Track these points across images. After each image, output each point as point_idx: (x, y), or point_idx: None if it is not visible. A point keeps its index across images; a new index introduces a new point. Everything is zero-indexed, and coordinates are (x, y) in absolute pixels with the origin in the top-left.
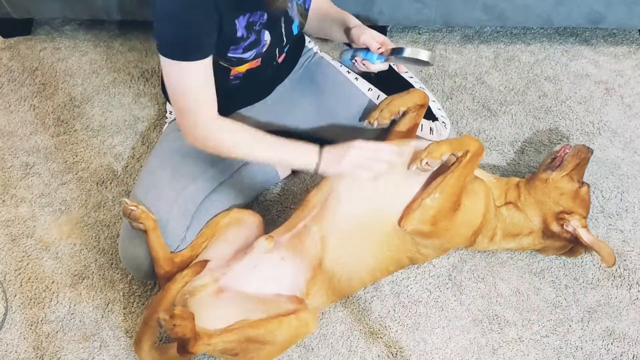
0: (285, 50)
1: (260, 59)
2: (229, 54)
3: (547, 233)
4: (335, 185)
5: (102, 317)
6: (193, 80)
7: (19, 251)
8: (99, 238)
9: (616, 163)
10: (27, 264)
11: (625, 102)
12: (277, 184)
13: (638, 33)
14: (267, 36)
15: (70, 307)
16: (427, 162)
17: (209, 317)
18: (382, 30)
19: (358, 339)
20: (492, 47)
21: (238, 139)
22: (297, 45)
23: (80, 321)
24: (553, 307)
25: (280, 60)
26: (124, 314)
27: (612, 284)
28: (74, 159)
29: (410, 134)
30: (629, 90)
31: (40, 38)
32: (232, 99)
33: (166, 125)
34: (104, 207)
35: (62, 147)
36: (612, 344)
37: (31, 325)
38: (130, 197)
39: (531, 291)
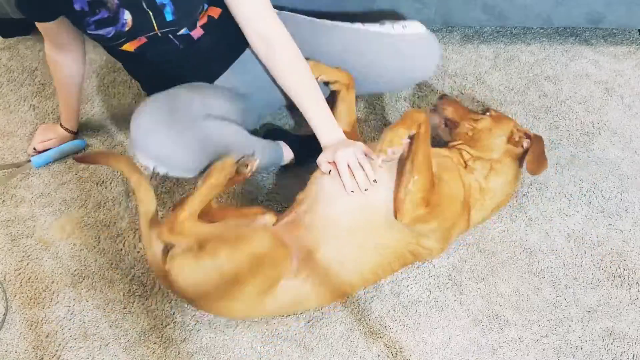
0: (186, 31)
1: (143, 38)
2: (88, 31)
3: (512, 153)
4: (321, 183)
5: (102, 317)
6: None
7: (19, 251)
8: (99, 238)
9: (616, 163)
10: (27, 264)
11: (625, 102)
12: (280, 108)
13: (638, 33)
14: (127, 15)
15: (70, 307)
16: (392, 152)
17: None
18: None
19: (358, 339)
20: (492, 47)
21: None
22: (224, 23)
23: (80, 321)
24: (553, 307)
25: (195, 36)
26: (124, 314)
27: (612, 284)
28: None
29: (352, 128)
30: (629, 90)
31: (40, 38)
32: (177, 74)
33: None
34: (104, 207)
35: None
36: (612, 344)
37: (31, 325)
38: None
39: (531, 291)
